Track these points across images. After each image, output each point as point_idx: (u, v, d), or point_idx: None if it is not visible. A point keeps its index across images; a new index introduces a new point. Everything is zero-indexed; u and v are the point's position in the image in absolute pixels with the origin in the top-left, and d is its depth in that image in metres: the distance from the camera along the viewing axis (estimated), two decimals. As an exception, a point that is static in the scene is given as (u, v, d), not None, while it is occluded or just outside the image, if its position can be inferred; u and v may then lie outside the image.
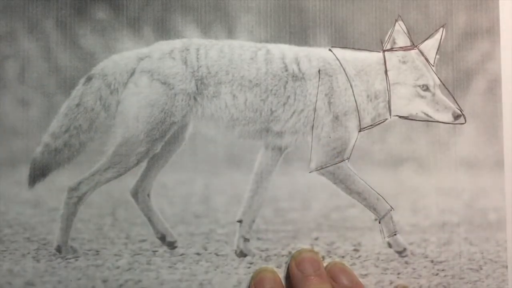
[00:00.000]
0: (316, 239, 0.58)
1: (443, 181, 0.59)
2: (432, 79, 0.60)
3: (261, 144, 0.60)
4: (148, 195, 0.59)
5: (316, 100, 0.59)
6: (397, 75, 0.60)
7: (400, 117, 0.60)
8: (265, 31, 0.60)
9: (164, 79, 0.58)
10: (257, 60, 0.59)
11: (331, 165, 0.59)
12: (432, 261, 0.58)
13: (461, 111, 0.59)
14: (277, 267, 0.57)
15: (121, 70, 0.59)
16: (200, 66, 0.59)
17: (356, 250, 0.59)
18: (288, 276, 0.56)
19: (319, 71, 0.59)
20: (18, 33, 0.58)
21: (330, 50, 0.60)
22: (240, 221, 0.59)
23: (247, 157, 0.59)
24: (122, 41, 0.59)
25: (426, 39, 0.60)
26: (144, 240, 0.58)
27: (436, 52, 0.60)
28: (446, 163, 0.60)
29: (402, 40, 0.60)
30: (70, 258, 0.57)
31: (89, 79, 0.59)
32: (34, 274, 0.56)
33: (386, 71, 0.60)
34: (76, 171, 0.58)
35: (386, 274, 0.58)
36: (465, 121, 0.60)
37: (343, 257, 0.58)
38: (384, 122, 0.60)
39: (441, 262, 0.58)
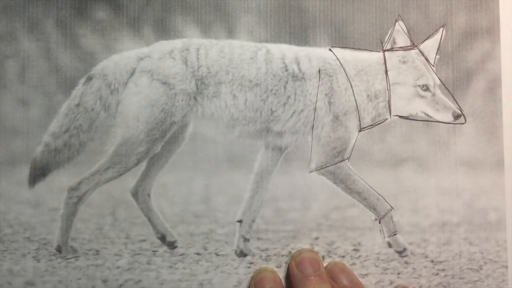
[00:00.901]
0: (316, 239, 0.58)
1: (443, 181, 0.59)
2: (432, 79, 0.60)
3: (261, 144, 0.60)
4: (148, 195, 0.59)
5: (316, 100, 0.59)
6: (397, 75, 0.60)
7: (400, 117, 0.60)
8: (265, 31, 0.60)
9: (164, 79, 0.59)
10: (257, 60, 0.59)
11: (331, 165, 0.59)
12: (432, 261, 0.58)
13: (461, 111, 0.59)
14: (277, 267, 0.57)
15: (121, 70, 0.59)
16: (200, 66, 0.59)
17: (356, 250, 0.59)
18: (288, 276, 0.56)
19: (319, 71, 0.59)
20: (18, 33, 0.58)
21: (330, 50, 0.60)
22: (240, 221, 0.59)
23: (247, 157, 0.59)
24: (122, 41, 0.59)
25: (426, 39, 0.60)
26: (144, 240, 0.58)
27: (436, 52, 0.60)
28: (446, 163, 0.60)
29: (402, 40, 0.60)
30: (70, 258, 0.57)
31: (89, 79, 0.59)
32: (34, 274, 0.56)
33: (386, 71, 0.60)
34: (76, 171, 0.58)
35: (386, 274, 0.58)
36: (465, 121, 0.60)
37: (343, 257, 0.58)
38: (384, 122, 0.60)
39: (441, 262, 0.58)
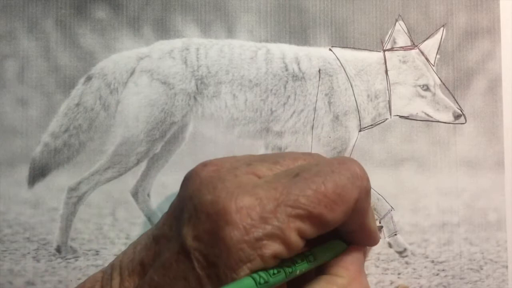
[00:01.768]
0: (316, 239, 0.58)
1: (443, 181, 0.59)
2: (432, 79, 0.60)
3: (261, 144, 0.60)
4: (148, 195, 0.59)
5: (316, 100, 0.59)
6: (397, 75, 0.60)
7: (400, 117, 0.60)
8: (265, 31, 0.60)
9: (164, 78, 0.58)
10: (257, 59, 0.59)
11: (331, 165, 0.59)
12: (432, 261, 0.58)
13: (461, 111, 0.59)
14: None
15: (120, 69, 0.59)
16: (200, 66, 0.59)
17: (356, 250, 0.59)
18: None
19: (319, 70, 0.59)
20: (18, 32, 0.58)
21: (330, 49, 0.60)
22: (240, 221, 0.59)
23: (247, 157, 0.59)
24: (121, 41, 0.59)
25: (427, 38, 0.60)
26: (144, 240, 0.58)
27: (437, 52, 0.60)
28: (446, 163, 0.60)
29: (402, 39, 0.60)
30: (70, 258, 0.57)
31: (89, 78, 0.58)
32: (34, 274, 0.56)
33: (386, 71, 0.60)
34: (75, 171, 0.58)
35: (386, 274, 0.58)
36: (466, 121, 0.60)
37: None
38: (385, 122, 0.60)
39: (441, 262, 0.58)
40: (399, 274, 0.58)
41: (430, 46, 0.60)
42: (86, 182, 0.58)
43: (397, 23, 0.60)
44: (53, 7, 0.58)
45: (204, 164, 0.36)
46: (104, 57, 0.59)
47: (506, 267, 0.59)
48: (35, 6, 0.58)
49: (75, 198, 0.58)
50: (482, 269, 0.58)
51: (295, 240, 0.33)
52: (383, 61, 0.60)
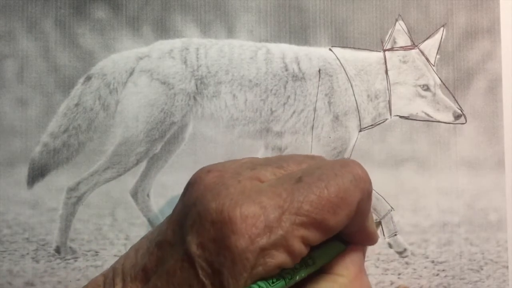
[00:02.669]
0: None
1: (444, 181, 0.59)
2: (432, 79, 0.60)
3: (261, 144, 0.60)
4: (148, 195, 0.59)
5: (316, 100, 0.59)
6: (397, 75, 0.60)
7: (400, 117, 0.60)
8: (265, 31, 0.60)
9: (163, 78, 0.58)
10: (257, 59, 0.59)
11: (331, 165, 0.59)
12: (432, 262, 0.58)
13: (461, 111, 0.59)
14: None
15: (120, 69, 0.59)
16: (200, 66, 0.59)
17: (356, 251, 0.59)
18: None
19: (319, 70, 0.59)
20: (17, 32, 0.58)
21: (330, 49, 0.60)
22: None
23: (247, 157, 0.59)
24: (121, 41, 0.59)
25: (427, 38, 0.60)
26: (143, 241, 0.58)
27: (437, 52, 0.60)
28: (446, 163, 0.59)
29: (402, 39, 0.60)
30: (69, 259, 0.57)
31: (88, 78, 0.58)
32: (34, 274, 0.56)
33: (386, 71, 0.60)
34: (75, 171, 0.58)
35: (386, 274, 0.58)
36: (466, 121, 0.59)
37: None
38: (385, 122, 0.60)
39: (441, 262, 0.58)
40: (399, 274, 0.58)
41: (430, 46, 0.60)
42: (85, 182, 0.58)
43: (397, 23, 0.60)
44: (53, 7, 0.58)
45: (207, 170, 0.36)
46: (104, 57, 0.59)
47: (507, 267, 0.58)
48: (35, 6, 0.58)
49: (75, 199, 0.57)
50: (482, 269, 0.58)
51: (299, 248, 0.32)
52: (383, 61, 0.60)
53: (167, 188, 0.59)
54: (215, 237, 0.32)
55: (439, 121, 0.59)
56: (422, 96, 0.59)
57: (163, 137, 0.58)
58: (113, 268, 0.37)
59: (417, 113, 0.60)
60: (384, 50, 0.60)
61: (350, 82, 0.59)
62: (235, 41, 0.59)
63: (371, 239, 0.39)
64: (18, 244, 0.57)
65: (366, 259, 0.55)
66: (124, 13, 0.59)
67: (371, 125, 0.60)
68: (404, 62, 0.60)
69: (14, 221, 0.57)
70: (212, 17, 0.59)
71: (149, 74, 0.58)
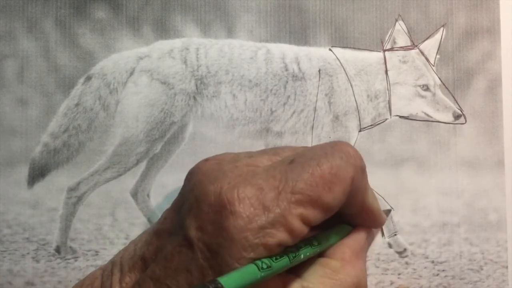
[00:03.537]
0: (316, 239, 0.58)
1: (444, 181, 0.59)
2: (432, 79, 0.60)
3: (261, 144, 0.60)
4: (148, 195, 0.59)
5: (316, 100, 0.59)
6: (397, 75, 0.60)
7: (400, 117, 0.60)
8: (265, 31, 0.60)
9: (163, 78, 0.58)
10: (257, 59, 0.59)
11: (331, 165, 0.59)
12: (432, 262, 0.58)
13: (461, 111, 0.59)
14: None
15: (120, 69, 0.59)
16: (200, 66, 0.59)
17: (356, 250, 0.59)
18: None
19: (319, 71, 0.59)
20: (17, 32, 0.58)
21: (330, 49, 0.60)
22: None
23: (247, 157, 0.59)
24: (121, 41, 0.59)
25: (427, 38, 0.60)
26: (143, 240, 0.58)
27: (437, 52, 0.60)
28: (446, 163, 0.59)
29: (402, 39, 0.60)
30: (69, 259, 0.57)
31: (88, 78, 0.58)
32: (34, 274, 0.56)
33: (386, 71, 0.60)
34: (75, 171, 0.58)
35: (386, 274, 0.58)
36: (466, 121, 0.60)
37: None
38: (385, 122, 0.60)
39: (441, 262, 0.58)
40: (399, 274, 0.58)
41: (430, 46, 0.60)
42: (85, 182, 0.58)
43: (397, 23, 0.60)
44: (53, 7, 0.58)
45: (206, 160, 0.37)
46: (104, 57, 0.59)
47: (506, 267, 0.58)
48: (35, 6, 0.58)
49: (75, 198, 0.58)
50: (482, 269, 0.58)
51: (298, 226, 0.33)
52: (383, 61, 0.60)
53: (167, 188, 0.59)
54: (214, 219, 0.32)
55: (439, 121, 0.59)
56: (422, 96, 0.59)
57: (163, 137, 0.58)
58: (112, 262, 0.37)
59: (417, 113, 0.60)
60: (384, 50, 0.60)
61: (350, 82, 0.59)
62: (235, 41, 0.59)
63: (377, 219, 0.39)
64: (18, 244, 0.57)
65: (366, 259, 0.55)
66: (124, 13, 0.59)
67: (371, 125, 0.60)
68: (404, 62, 0.60)
69: (15, 221, 0.57)
70: (212, 17, 0.59)
71: (149, 74, 0.58)
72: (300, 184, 0.33)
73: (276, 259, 0.32)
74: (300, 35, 0.60)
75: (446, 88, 0.60)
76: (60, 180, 0.58)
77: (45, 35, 0.58)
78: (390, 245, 0.59)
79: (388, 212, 0.58)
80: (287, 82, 0.59)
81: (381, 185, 0.59)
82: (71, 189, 0.58)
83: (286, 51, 0.59)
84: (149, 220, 0.58)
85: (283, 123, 0.59)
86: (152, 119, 0.58)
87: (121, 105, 0.58)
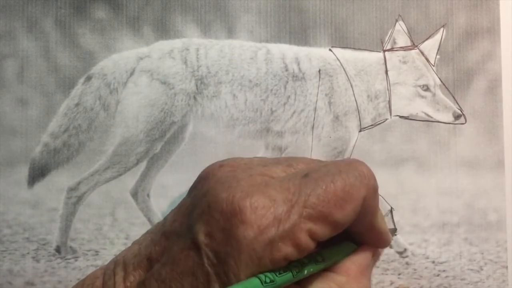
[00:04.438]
0: (316, 239, 0.58)
1: (444, 181, 0.59)
2: (432, 79, 0.60)
3: (261, 144, 0.60)
4: (148, 195, 0.59)
5: (317, 100, 0.59)
6: (397, 75, 0.60)
7: (400, 117, 0.60)
8: (265, 31, 0.60)
9: (164, 78, 0.58)
10: (257, 60, 0.59)
11: (331, 165, 0.59)
12: (433, 262, 0.58)
13: (461, 111, 0.59)
14: None
15: (120, 69, 0.59)
16: (200, 66, 0.59)
17: (356, 251, 0.59)
18: None
19: (319, 71, 0.59)
20: (17, 32, 0.58)
21: (330, 50, 0.60)
22: (240, 221, 0.59)
23: (247, 157, 0.59)
24: (121, 41, 0.59)
25: (427, 39, 0.60)
26: (143, 240, 0.58)
27: (437, 52, 0.60)
28: (446, 163, 0.59)
29: (402, 40, 0.60)
30: (69, 258, 0.57)
31: (89, 78, 0.58)
32: (34, 274, 0.56)
33: (386, 71, 0.60)
34: (75, 171, 0.58)
35: (387, 274, 0.58)
36: (466, 121, 0.60)
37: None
38: (385, 122, 0.60)
39: (441, 262, 0.58)
40: (399, 274, 0.58)
41: (430, 46, 0.60)
42: (85, 182, 0.58)
43: (397, 23, 0.60)
44: (53, 7, 0.58)
45: (220, 165, 0.36)
46: (104, 57, 0.59)
47: (506, 267, 0.58)
48: (35, 6, 0.58)
49: (75, 198, 0.58)
50: (482, 269, 0.58)
51: (306, 241, 0.33)
52: (383, 61, 0.60)
53: (167, 188, 0.59)
54: (224, 227, 0.32)
55: (439, 121, 0.59)
56: (422, 96, 0.59)
57: (163, 137, 0.58)
58: (114, 261, 0.37)
59: (417, 113, 0.60)
60: (384, 51, 0.60)
61: (350, 82, 0.59)
62: (235, 42, 0.59)
63: (383, 240, 0.39)
64: (18, 243, 0.57)
65: (371, 278, 0.55)
66: (124, 13, 0.59)
67: (371, 125, 0.60)
68: (404, 62, 0.60)
69: (15, 221, 0.57)
70: (212, 17, 0.59)
71: (150, 74, 0.58)
72: (313, 198, 0.33)
73: (279, 273, 0.32)
74: (300, 35, 0.60)
75: (446, 88, 0.60)
76: (60, 180, 0.58)
77: (45, 35, 0.58)
78: (390, 245, 0.59)
79: (393, 231, 0.57)
80: (287, 82, 0.59)
81: (381, 185, 0.58)
82: (71, 189, 0.58)
83: (286, 51, 0.59)
84: (149, 220, 0.58)
85: (283, 123, 0.59)
86: (152, 119, 0.58)
87: (121, 105, 0.58)
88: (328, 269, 0.36)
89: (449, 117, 0.59)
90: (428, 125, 0.60)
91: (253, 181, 0.34)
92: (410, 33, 0.60)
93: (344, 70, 0.59)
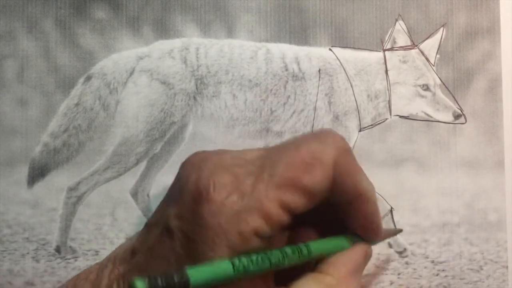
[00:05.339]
0: (316, 239, 0.58)
1: (444, 181, 0.59)
2: (432, 79, 0.60)
3: (261, 144, 0.60)
4: (148, 195, 0.59)
5: (316, 100, 0.59)
6: (397, 75, 0.60)
7: (400, 116, 0.60)
8: (265, 31, 0.60)
9: (163, 78, 0.58)
10: (257, 59, 0.59)
11: (331, 165, 0.59)
12: (433, 262, 0.58)
13: (461, 111, 0.59)
14: None
15: (120, 69, 0.59)
16: (200, 66, 0.59)
17: (356, 250, 0.59)
18: None
19: (319, 70, 0.59)
20: (17, 32, 0.58)
21: (330, 49, 0.60)
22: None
23: (247, 157, 0.59)
24: (121, 41, 0.59)
25: (427, 38, 0.60)
26: (143, 240, 0.58)
27: (437, 52, 0.60)
28: (446, 163, 0.59)
29: (402, 39, 0.60)
30: (69, 258, 0.57)
31: (88, 78, 0.58)
32: (34, 274, 0.56)
33: (386, 71, 0.60)
34: (75, 171, 0.58)
35: (386, 274, 0.58)
36: (466, 121, 0.59)
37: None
38: (385, 122, 0.60)
39: (441, 262, 0.58)
40: (399, 274, 0.58)
41: (430, 46, 0.60)
42: (85, 182, 0.58)
43: (397, 23, 0.60)
44: (53, 7, 0.58)
45: (195, 153, 0.36)
46: (104, 57, 0.59)
47: (506, 267, 0.58)
48: (35, 6, 0.58)
49: (75, 198, 0.58)
50: (482, 269, 0.58)
51: (276, 212, 0.32)
52: (383, 61, 0.60)
53: (167, 188, 0.59)
54: (192, 208, 0.32)
55: (439, 121, 0.59)
56: (422, 96, 0.59)
57: (163, 137, 0.58)
58: (107, 257, 0.38)
59: (417, 113, 0.60)
60: (384, 50, 0.60)
61: (350, 82, 0.59)
62: (235, 41, 0.59)
63: (374, 213, 0.38)
64: (18, 243, 0.57)
65: (361, 280, 0.55)
66: (124, 13, 0.59)
67: (371, 125, 0.60)
68: (404, 62, 0.60)
69: (14, 221, 0.57)
70: (212, 17, 0.59)
71: (149, 74, 0.58)
72: (279, 168, 0.32)
73: (256, 261, 0.31)
74: (300, 35, 0.60)
75: (446, 88, 0.60)
76: (60, 180, 0.58)
77: (45, 35, 0.58)
78: (390, 245, 0.59)
79: (399, 231, 0.57)
80: (287, 82, 0.59)
81: (381, 185, 0.59)
82: (71, 189, 0.58)
83: (286, 51, 0.59)
84: (149, 220, 0.58)
85: (283, 123, 0.59)
86: (152, 119, 0.58)
87: (121, 105, 0.58)
88: (317, 269, 0.35)
89: (449, 117, 0.59)
90: (428, 125, 0.60)
91: (221, 161, 0.33)
92: (410, 32, 0.60)
93: (344, 70, 0.59)
